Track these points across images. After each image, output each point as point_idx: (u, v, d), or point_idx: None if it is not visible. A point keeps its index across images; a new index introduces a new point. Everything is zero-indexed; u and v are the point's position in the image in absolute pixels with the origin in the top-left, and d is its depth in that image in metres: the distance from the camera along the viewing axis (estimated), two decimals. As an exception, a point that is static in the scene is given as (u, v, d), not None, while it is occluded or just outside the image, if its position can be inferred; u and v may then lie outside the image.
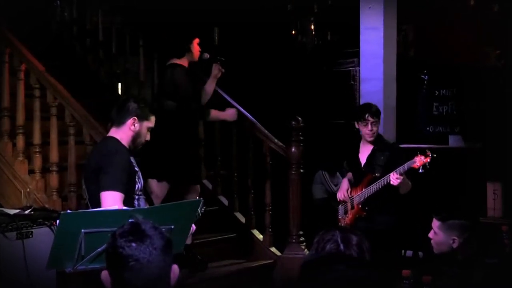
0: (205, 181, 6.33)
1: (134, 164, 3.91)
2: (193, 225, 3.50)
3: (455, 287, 3.53)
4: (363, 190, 5.05)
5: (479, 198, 6.09)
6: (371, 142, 5.12)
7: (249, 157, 6.16)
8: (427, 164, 4.73)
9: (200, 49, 5.48)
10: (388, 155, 5.05)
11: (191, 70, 5.47)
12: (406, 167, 4.79)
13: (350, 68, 7.51)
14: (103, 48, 7.04)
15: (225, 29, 7.92)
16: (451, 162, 6.46)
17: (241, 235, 6.10)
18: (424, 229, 3.83)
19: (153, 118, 3.99)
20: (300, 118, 5.79)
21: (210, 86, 5.68)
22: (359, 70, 7.12)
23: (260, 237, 6.06)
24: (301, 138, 5.79)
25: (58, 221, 3.05)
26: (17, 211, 4.29)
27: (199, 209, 3.37)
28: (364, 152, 5.16)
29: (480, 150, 6.67)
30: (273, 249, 5.98)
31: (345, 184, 5.27)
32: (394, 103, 6.97)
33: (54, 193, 5.30)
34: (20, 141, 5.44)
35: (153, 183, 5.23)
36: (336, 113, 7.45)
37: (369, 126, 5.05)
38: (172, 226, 3.08)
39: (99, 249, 2.96)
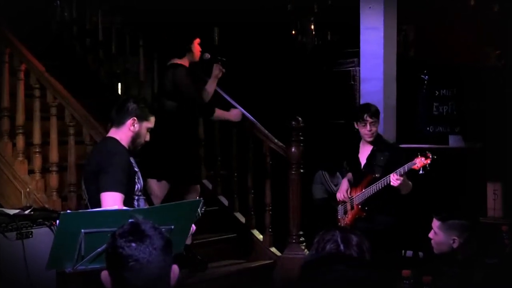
0: (205, 181, 6.33)
1: (134, 164, 3.90)
2: (193, 225, 3.49)
3: (455, 287, 3.53)
4: (363, 190, 5.05)
5: (479, 198, 6.09)
6: (370, 143, 5.12)
7: (249, 157, 6.16)
8: (427, 165, 4.73)
9: (200, 49, 5.47)
10: (388, 155, 5.05)
11: (192, 70, 5.47)
12: (406, 168, 4.79)
13: (350, 68, 7.50)
14: (103, 48, 7.04)
15: (225, 29, 7.92)
16: (451, 162, 6.46)
17: (241, 235, 6.10)
18: (424, 229, 3.83)
19: (152, 119, 3.98)
20: (300, 118, 5.78)
21: (211, 86, 5.68)
22: (359, 70, 7.11)
23: (260, 237, 6.06)
24: (301, 138, 5.79)
25: (58, 221, 3.05)
26: (17, 211, 4.29)
27: (199, 209, 3.37)
28: (364, 153, 5.16)
29: (480, 150, 6.66)
30: (273, 249, 5.97)
31: (344, 184, 5.27)
32: (394, 103, 6.97)
33: (54, 193, 5.30)
34: (20, 141, 5.44)
35: (153, 183, 5.22)
36: (336, 113, 7.45)
37: (368, 126, 5.05)
38: (172, 226, 3.08)
39: (99, 249, 2.96)
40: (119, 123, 3.89)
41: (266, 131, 6.07)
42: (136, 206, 3.82)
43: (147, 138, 3.98)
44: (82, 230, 2.97)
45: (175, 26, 6.46)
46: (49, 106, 5.33)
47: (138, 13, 7.17)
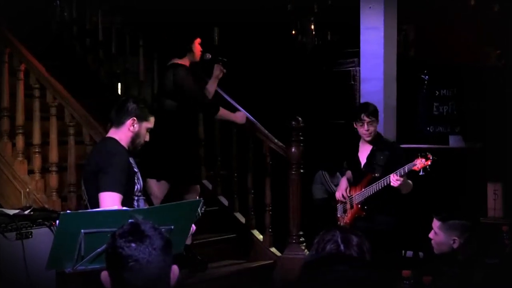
0: (205, 181, 6.32)
1: (134, 165, 3.90)
2: (193, 225, 3.49)
3: (455, 287, 3.52)
4: (363, 190, 5.04)
5: (479, 198, 6.09)
6: (370, 142, 5.11)
7: (249, 157, 6.16)
8: (427, 166, 4.72)
9: (201, 49, 5.47)
10: (388, 154, 5.04)
11: (192, 70, 5.46)
12: (406, 169, 4.77)
13: (350, 68, 7.50)
14: (103, 48, 7.04)
15: (225, 29, 7.92)
16: (452, 162, 6.46)
17: (241, 236, 6.10)
18: (425, 229, 3.82)
19: (152, 119, 3.97)
20: (300, 118, 5.78)
21: (211, 87, 5.67)
22: (359, 70, 7.11)
23: (260, 237, 6.06)
24: (301, 138, 5.79)
25: (57, 221, 3.04)
26: (16, 211, 4.29)
27: (199, 209, 3.36)
28: (364, 152, 5.15)
29: (480, 150, 6.67)
30: (273, 250, 5.97)
31: (343, 183, 5.26)
32: (394, 103, 6.96)
33: (54, 193, 5.30)
34: (20, 141, 5.43)
35: (153, 183, 5.21)
36: (336, 113, 7.45)
37: (366, 126, 5.03)
38: (172, 227, 3.08)
39: (98, 250, 2.96)
40: (119, 123, 3.89)
41: (266, 131, 6.06)
42: (136, 206, 3.81)
43: (147, 138, 3.97)
44: (82, 230, 2.97)
45: (175, 26, 6.47)
46: (49, 106, 5.32)
47: (138, 13, 7.17)
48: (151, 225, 2.09)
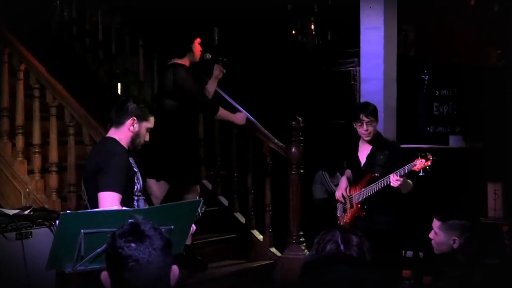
0: (205, 181, 6.32)
1: (133, 165, 3.89)
2: (193, 225, 3.49)
3: (455, 287, 3.52)
4: (363, 189, 5.03)
5: (479, 199, 6.08)
6: (370, 142, 5.10)
7: (249, 157, 6.16)
8: (427, 167, 4.71)
9: (201, 49, 5.46)
10: (387, 154, 5.03)
11: (192, 70, 5.46)
12: (406, 170, 4.76)
13: (350, 68, 7.50)
14: (103, 48, 7.04)
15: (225, 29, 7.92)
16: (452, 163, 6.45)
17: (241, 236, 6.09)
18: (425, 230, 3.82)
19: (152, 119, 3.97)
20: (300, 118, 5.78)
21: (211, 87, 5.67)
22: (359, 70, 7.11)
23: (260, 237, 6.05)
24: (301, 138, 5.78)
25: (57, 221, 3.04)
26: (16, 211, 4.29)
27: (199, 209, 3.36)
28: (363, 151, 5.14)
29: (480, 150, 6.66)
30: (273, 250, 5.97)
31: (343, 183, 5.25)
32: (394, 103, 6.96)
33: (54, 193, 5.29)
34: (20, 141, 5.43)
35: (152, 183, 5.21)
36: (336, 113, 7.44)
37: (364, 126, 5.02)
38: (172, 227, 3.08)
39: (98, 250, 2.95)
40: (119, 123, 3.88)
41: (266, 131, 6.06)
42: (136, 206, 3.81)
43: (147, 138, 3.96)
44: (82, 231, 2.97)
45: (175, 26, 6.46)
46: (49, 106, 5.32)
47: (138, 13, 7.17)
48: (151, 225, 2.08)
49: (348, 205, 5.16)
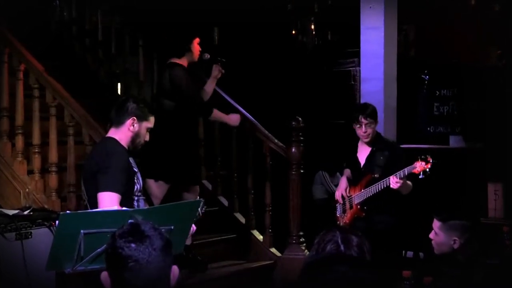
0: (205, 182, 6.32)
1: (133, 165, 3.89)
2: (193, 225, 3.48)
3: (455, 287, 3.52)
4: (362, 190, 5.02)
5: (480, 199, 6.08)
6: (369, 143, 5.07)
7: (249, 157, 6.15)
8: (427, 170, 4.70)
9: (200, 49, 5.46)
10: (387, 155, 5.01)
11: (190, 70, 5.45)
12: (406, 172, 4.74)
13: (351, 68, 7.50)
14: (103, 48, 7.04)
15: (225, 29, 7.91)
16: (452, 163, 6.45)
17: (241, 236, 6.09)
18: (425, 230, 3.82)
19: (152, 119, 3.96)
20: (300, 118, 5.78)
21: (209, 87, 5.66)
22: (360, 70, 7.10)
23: (260, 237, 6.05)
24: (301, 138, 5.78)
25: (57, 221, 3.04)
26: (16, 211, 4.29)
27: (199, 209, 3.36)
28: (363, 152, 5.12)
29: (481, 150, 6.66)
30: (273, 250, 5.97)
31: (343, 183, 5.23)
32: (394, 103, 6.96)
33: (53, 193, 5.29)
34: (19, 141, 5.43)
35: (152, 183, 5.21)
36: (336, 113, 7.44)
37: (363, 127, 4.97)
38: (172, 227, 3.07)
39: (98, 250, 2.95)
40: (119, 123, 3.88)
41: (266, 131, 6.06)
42: (136, 206, 3.81)
43: (147, 138, 3.96)
44: (82, 231, 2.96)
45: (174, 26, 6.45)
46: (49, 106, 5.32)
47: (138, 13, 7.16)
48: (151, 226, 2.08)
49: (347, 206, 5.15)
